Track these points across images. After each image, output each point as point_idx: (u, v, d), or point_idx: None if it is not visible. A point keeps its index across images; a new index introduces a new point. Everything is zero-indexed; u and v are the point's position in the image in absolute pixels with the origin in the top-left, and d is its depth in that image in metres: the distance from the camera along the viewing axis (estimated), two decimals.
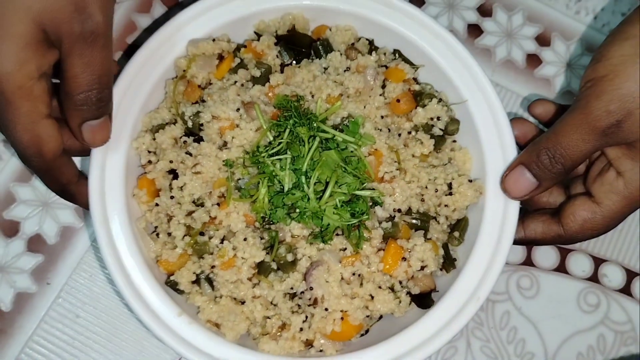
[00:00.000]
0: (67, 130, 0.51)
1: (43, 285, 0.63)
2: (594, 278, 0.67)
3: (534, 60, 0.72)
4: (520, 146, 0.58)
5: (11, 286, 0.63)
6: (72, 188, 0.54)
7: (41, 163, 0.51)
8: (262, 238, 0.53)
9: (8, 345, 0.61)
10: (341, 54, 0.59)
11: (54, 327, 0.62)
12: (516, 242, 0.57)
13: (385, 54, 0.60)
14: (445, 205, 0.56)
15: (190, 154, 0.54)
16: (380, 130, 0.56)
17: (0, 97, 0.47)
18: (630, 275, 0.67)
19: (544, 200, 0.59)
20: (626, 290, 0.67)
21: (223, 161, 0.54)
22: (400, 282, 0.54)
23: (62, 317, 0.62)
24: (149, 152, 0.56)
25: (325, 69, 0.58)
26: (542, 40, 0.72)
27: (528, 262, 0.66)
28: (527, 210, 0.59)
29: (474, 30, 0.72)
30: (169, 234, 0.54)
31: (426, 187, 0.56)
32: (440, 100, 0.58)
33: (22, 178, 0.65)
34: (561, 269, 0.67)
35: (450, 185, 0.56)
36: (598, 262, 0.67)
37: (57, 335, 0.62)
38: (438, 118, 0.57)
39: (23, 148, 0.49)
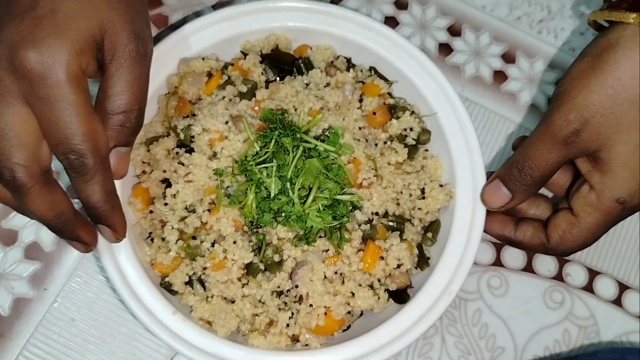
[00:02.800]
0: None
1: (40, 290, 0.66)
2: (558, 277, 0.71)
3: (500, 76, 0.77)
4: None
5: (9, 292, 0.65)
6: (113, 199, 0.51)
7: (98, 158, 0.47)
8: (250, 241, 0.57)
9: (7, 349, 0.63)
10: (321, 71, 0.62)
11: (50, 330, 0.64)
12: (505, 239, 0.61)
13: (362, 70, 0.64)
14: (419, 209, 0.60)
15: (183, 164, 0.58)
16: (359, 140, 0.60)
17: (54, 86, 0.45)
18: (592, 273, 0.71)
19: (531, 212, 0.62)
20: (588, 288, 0.71)
21: (213, 170, 0.57)
22: (379, 280, 0.58)
23: (59, 320, 0.65)
24: (144, 162, 0.60)
25: (307, 84, 0.62)
26: (508, 57, 0.77)
27: (497, 262, 0.70)
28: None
29: (445, 49, 0.77)
30: (163, 239, 0.57)
31: (401, 192, 0.60)
32: (412, 112, 0.62)
33: None
34: (528, 268, 0.71)
35: (423, 190, 0.60)
36: (562, 262, 0.71)
37: (54, 338, 0.64)
38: (411, 129, 0.62)
39: (79, 141, 0.46)
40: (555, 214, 0.58)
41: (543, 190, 0.65)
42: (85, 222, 0.52)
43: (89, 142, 0.47)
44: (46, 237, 0.67)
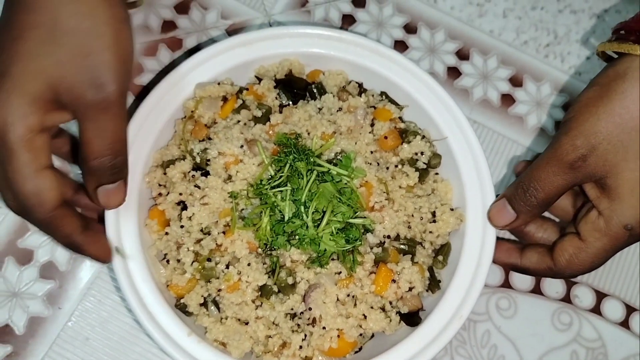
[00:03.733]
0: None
1: (55, 309, 0.66)
2: (566, 299, 0.72)
3: (507, 99, 0.78)
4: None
5: (25, 311, 0.66)
6: (77, 239, 0.53)
7: (42, 214, 0.50)
8: (264, 263, 0.58)
9: None
10: (334, 96, 0.64)
11: (64, 349, 0.65)
12: (512, 267, 0.62)
13: (373, 95, 0.65)
14: (430, 232, 0.61)
15: (198, 187, 0.59)
16: (370, 164, 0.61)
17: (2, 147, 0.48)
18: (600, 296, 0.72)
19: (539, 236, 0.63)
20: (596, 309, 0.72)
21: (228, 193, 0.58)
22: (391, 303, 0.59)
23: (73, 339, 0.65)
24: (160, 185, 0.61)
25: (320, 109, 0.63)
26: (515, 81, 0.79)
27: (506, 284, 0.71)
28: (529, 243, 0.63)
29: (453, 73, 0.78)
30: (178, 260, 0.58)
31: (412, 215, 0.61)
32: (423, 137, 0.63)
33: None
34: (536, 290, 0.71)
35: (434, 214, 0.61)
36: (570, 284, 0.72)
37: (68, 357, 0.65)
38: (422, 153, 0.63)
39: (23, 199, 0.49)
40: (562, 238, 0.59)
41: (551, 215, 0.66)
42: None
43: (31, 199, 0.49)
44: (61, 257, 0.68)
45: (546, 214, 0.63)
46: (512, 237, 0.69)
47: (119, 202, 0.54)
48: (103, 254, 0.56)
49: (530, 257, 0.61)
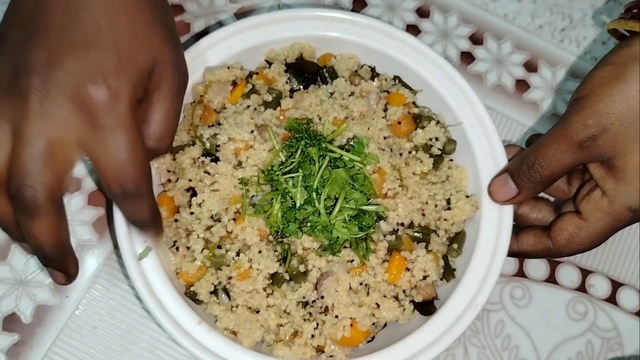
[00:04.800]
0: None
1: (62, 298, 0.65)
2: (581, 288, 0.71)
3: (522, 85, 0.76)
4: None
5: (31, 299, 0.65)
6: (158, 219, 0.53)
7: (146, 187, 0.49)
8: (275, 251, 0.57)
9: (28, 356, 0.63)
10: (345, 80, 0.62)
11: (72, 337, 0.64)
12: (510, 254, 0.61)
13: (386, 79, 0.64)
14: (445, 219, 0.60)
15: (208, 173, 0.58)
16: (383, 150, 0.60)
17: (120, 117, 0.46)
18: (615, 285, 0.71)
19: (534, 216, 0.63)
20: (612, 299, 0.71)
21: (238, 179, 0.57)
22: (404, 291, 0.57)
23: (80, 328, 0.65)
24: (169, 171, 0.60)
25: (332, 94, 0.62)
26: (530, 66, 0.77)
27: (520, 273, 0.70)
28: (522, 227, 0.62)
29: (467, 58, 0.77)
30: (188, 248, 0.57)
31: (426, 203, 0.59)
32: (437, 122, 0.62)
33: None
34: (551, 279, 0.70)
35: (448, 201, 0.60)
36: (585, 273, 0.71)
37: (76, 346, 0.64)
38: (436, 139, 0.61)
39: (136, 168, 0.47)
40: (561, 217, 0.59)
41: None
42: (74, 254, 0.53)
43: (143, 167, 0.48)
44: None
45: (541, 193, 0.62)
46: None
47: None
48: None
49: (527, 239, 0.60)
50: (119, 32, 0.48)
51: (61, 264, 0.51)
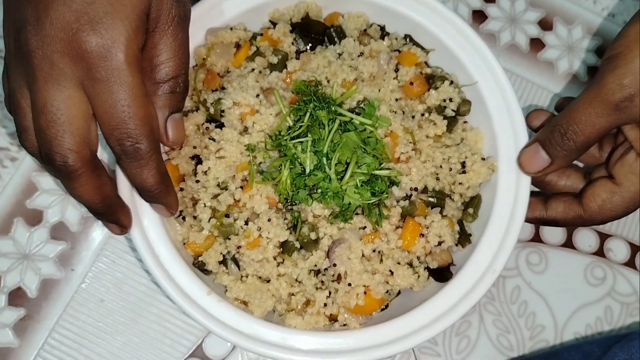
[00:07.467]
0: None
1: (68, 271, 0.64)
2: (599, 252, 0.69)
3: (537, 44, 0.74)
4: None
5: (36, 273, 0.64)
6: (167, 179, 0.51)
7: (152, 144, 0.47)
8: (285, 219, 0.55)
9: (35, 331, 0.62)
10: (354, 40, 0.60)
11: (79, 311, 0.63)
12: (538, 221, 0.58)
13: (396, 39, 0.61)
14: (460, 183, 0.58)
15: (213, 140, 0.55)
16: (395, 112, 0.57)
17: (112, 69, 0.44)
18: (635, 249, 0.69)
19: (562, 184, 0.60)
20: (631, 263, 0.69)
21: (245, 146, 0.55)
22: (418, 258, 0.56)
23: (87, 301, 0.64)
24: None
25: (340, 54, 0.59)
26: (545, 24, 0.74)
27: (536, 238, 0.68)
28: (550, 194, 0.60)
29: (479, 16, 0.74)
30: (195, 217, 0.55)
31: (441, 167, 0.57)
32: (451, 82, 0.59)
33: (42, 168, 0.66)
34: (568, 244, 0.69)
35: (463, 164, 0.58)
36: (603, 237, 0.69)
37: (83, 319, 0.63)
38: (450, 100, 0.59)
39: (137, 125, 0.45)
40: (593, 183, 0.56)
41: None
42: (124, 204, 0.53)
43: (145, 126, 0.46)
44: (72, 217, 0.65)
45: None
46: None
47: (183, 138, 0.52)
48: (175, 205, 0.53)
49: (556, 207, 0.58)
50: None
51: (112, 216, 0.51)
